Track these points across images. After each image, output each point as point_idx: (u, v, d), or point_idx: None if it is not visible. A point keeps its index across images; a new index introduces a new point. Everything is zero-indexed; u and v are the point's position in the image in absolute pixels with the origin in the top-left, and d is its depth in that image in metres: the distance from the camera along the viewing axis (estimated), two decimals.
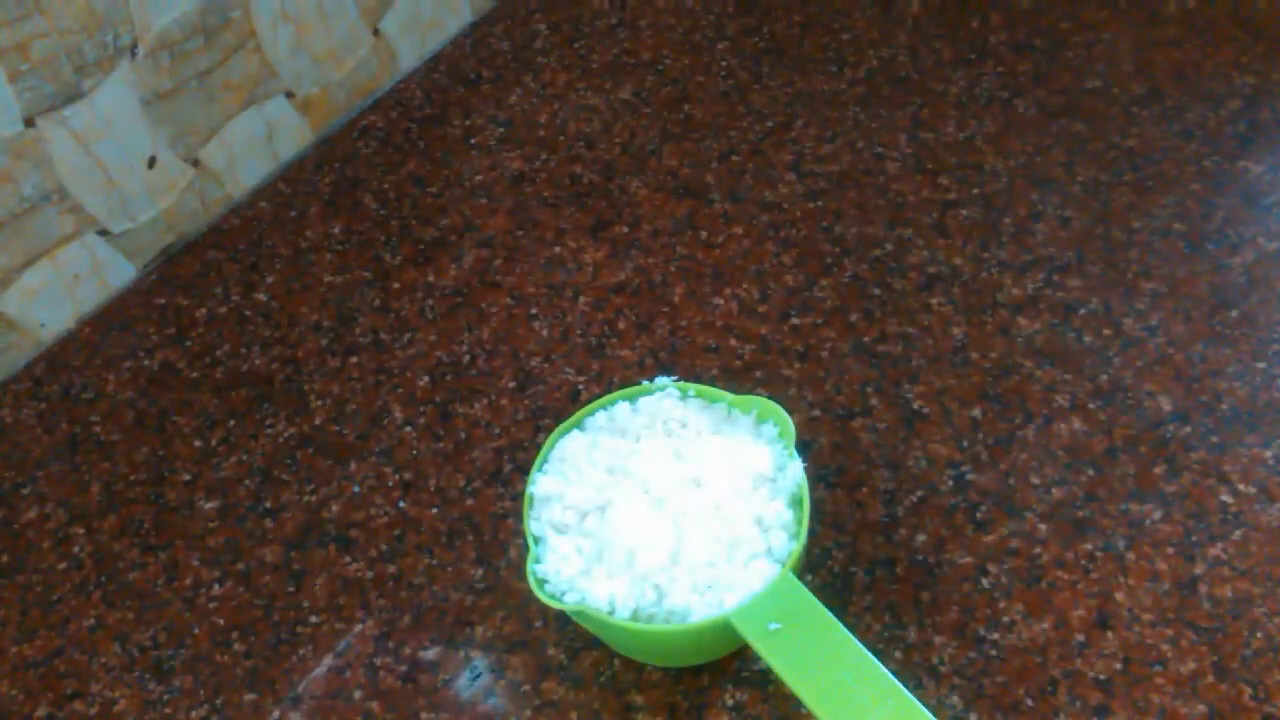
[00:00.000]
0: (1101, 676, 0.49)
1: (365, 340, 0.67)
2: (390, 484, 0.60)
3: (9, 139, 0.62)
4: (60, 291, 0.69)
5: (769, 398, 0.52)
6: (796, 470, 0.49)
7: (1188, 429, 0.57)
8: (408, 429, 0.62)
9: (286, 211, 0.76)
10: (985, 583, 0.53)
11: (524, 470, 0.59)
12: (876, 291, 0.64)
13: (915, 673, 0.50)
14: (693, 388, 0.53)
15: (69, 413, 0.66)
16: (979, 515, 0.55)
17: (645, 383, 0.54)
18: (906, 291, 0.64)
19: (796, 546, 0.47)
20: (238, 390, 0.66)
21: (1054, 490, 0.55)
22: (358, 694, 0.53)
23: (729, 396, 0.53)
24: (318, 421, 0.64)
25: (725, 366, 0.62)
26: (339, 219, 0.74)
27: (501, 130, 0.78)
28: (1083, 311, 0.62)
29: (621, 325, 0.65)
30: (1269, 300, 0.61)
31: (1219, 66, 0.73)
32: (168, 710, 0.54)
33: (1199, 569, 0.52)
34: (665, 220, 0.70)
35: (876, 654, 0.44)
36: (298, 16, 0.74)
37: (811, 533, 0.48)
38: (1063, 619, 0.51)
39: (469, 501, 0.59)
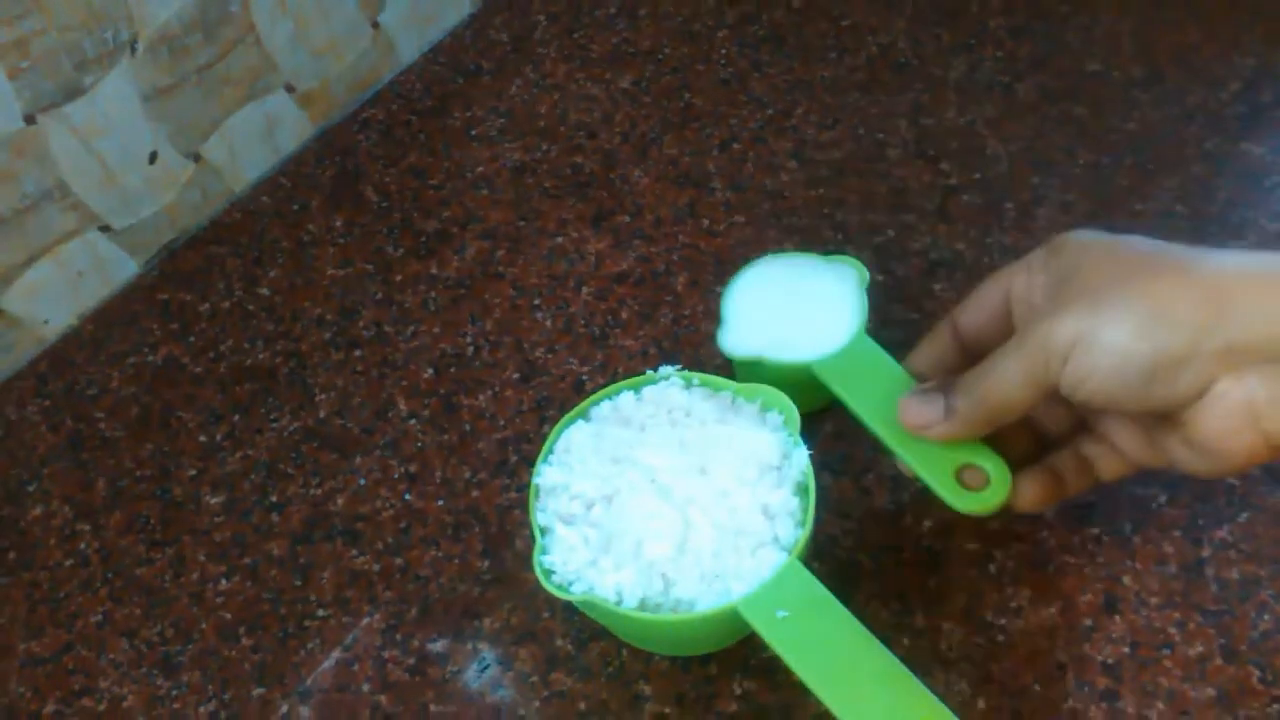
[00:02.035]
0: (1109, 660, 0.49)
1: (369, 333, 0.67)
2: (396, 476, 0.60)
3: (9, 136, 0.62)
4: (63, 288, 0.69)
5: (773, 386, 0.52)
6: (802, 458, 0.49)
7: None
8: (412, 421, 0.63)
9: (288, 205, 0.75)
10: (992, 568, 0.53)
11: (529, 461, 0.59)
12: (880, 278, 0.64)
13: (923, 658, 0.50)
14: (697, 376, 0.53)
15: (73, 409, 0.66)
16: None
17: (649, 372, 0.54)
18: (909, 277, 0.64)
19: (803, 534, 0.47)
20: (242, 385, 0.66)
21: None
22: (366, 687, 0.53)
23: (733, 385, 0.53)
24: (322, 415, 0.64)
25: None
26: (340, 212, 0.74)
27: (502, 121, 0.78)
28: None
29: (625, 315, 0.65)
30: None
31: (1219, 49, 0.73)
32: (176, 705, 0.54)
33: (1205, 552, 0.52)
34: (667, 209, 0.70)
35: (884, 640, 0.44)
36: (297, 10, 0.74)
37: (818, 520, 0.48)
38: (1070, 604, 0.51)
39: (475, 493, 0.59)
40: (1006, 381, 0.45)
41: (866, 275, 0.56)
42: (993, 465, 0.48)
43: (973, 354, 0.49)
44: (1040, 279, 0.47)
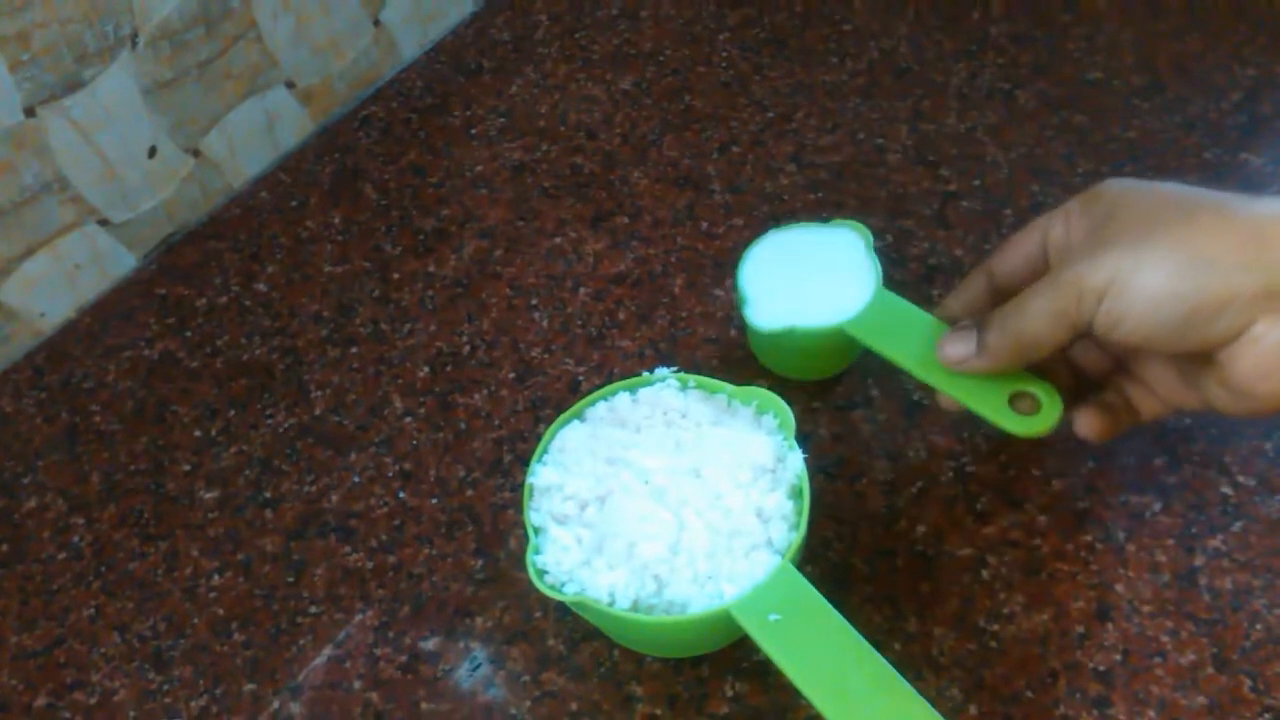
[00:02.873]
0: (1101, 668, 0.49)
1: (365, 330, 0.67)
2: (390, 474, 0.60)
3: (10, 129, 0.62)
4: (61, 281, 0.69)
5: (769, 389, 0.52)
6: (796, 461, 0.49)
7: (1188, 420, 0.57)
8: (408, 419, 0.62)
9: (287, 201, 0.75)
10: (985, 574, 0.53)
11: (524, 461, 0.59)
12: None
13: (915, 664, 0.50)
14: (693, 379, 0.53)
15: (69, 402, 0.66)
16: (979, 506, 0.55)
17: (645, 373, 0.54)
18: (907, 282, 0.64)
19: (796, 537, 0.47)
20: (238, 380, 0.66)
21: (1054, 482, 0.55)
22: (358, 684, 0.53)
23: (729, 388, 0.53)
24: (318, 411, 0.64)
25: (725, 358, 0.62)
26: (339, 209, 0.74)
27: (502, 121, 0.78)
28: None
29: (622, 316, 0.65)
30: None
31: (1220, 58, 0.73)
32: (167, 700, 0.54)
33: (1199, 560, 0.52)
34: (666, 211, 0.70)
35: (876, 645, 0.44)
36: (298, 6, 0.74)
37: (811, 523, 0.48)
38: (1062, 610, 0.51)
39: (469, 492, 0.59)
40: (1037, 318, 0.46)
41: (870, 235, 0.58)
42: (1042, 390, 0.50)
43: (1006, 299, 0.50)
44: (1078, 224, 0.47)
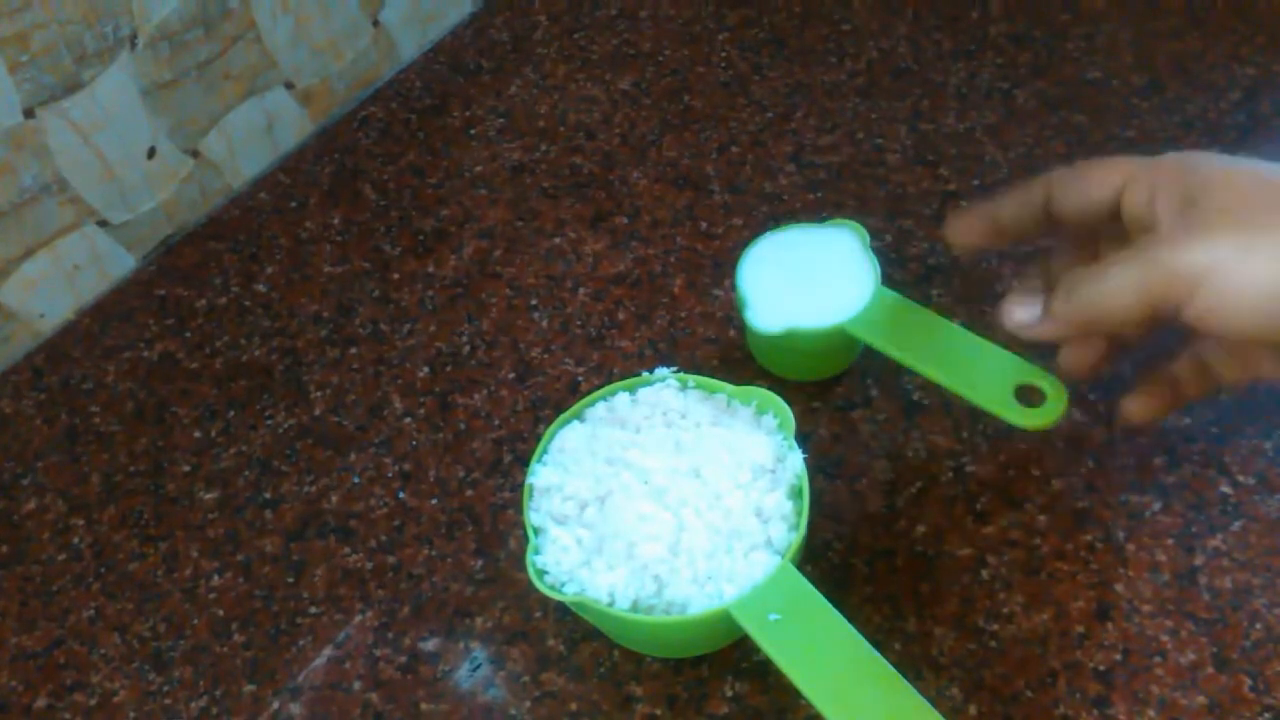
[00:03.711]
0: (1101, 667, 0.49)
1: (365, 331, 0.67)
2: (390, 475, 0.60)
3: (9, 130, 0.62)
4: (60, 282, 0.69)
5: (769, 389, 0.52)
6: (796, 461, 0.49)
7: (1187, 420, 0.57)
8: (407, 420, 0.62)
9: (286, 202, 0.75)
10: (985, 574, 0.53)
11: (523, 461, 0.59)
12: None
13: (915, 663, 0.50)
14: (692, 379, 0.53)
15: (69, 403, 0.66)
16: (978, 506, 0.55)
17: (645, 374, 0.54)
18: (906, 282, 0.64)
19: (796, 538, 0.47)
20: (237, 381, 0.66)
21: (1054, 481, 0.55)
22: (357, 685, 0.53)
23: (729, 388, 0.53)
24: (317, 412, 0.64)
25: (725, 358, 0.62)
26: (339, 210, 0.74)
27: (501, 121, 0.78)
28: None
29: (621, 316, 0.65)
30: None
31: (1219, 58, 0.73)
32: (167, 701, 0.54)
33: (1198, 560, 0.52)
34: (665, 211, 0.70)
35: (876, 645, 0.44)
36: (297, 7, 0.74)
37: (811, 524, 0.48)
38: (1062, 610, 0.51)
39: (469, 492, 0.59)
40: (1116, 293, 0.43)
41: (866, 233, 0.59)
42: (1048, 383, 0.50)
43: (1057, 227, 0.48)
44: (1163, 194, 0.44)
